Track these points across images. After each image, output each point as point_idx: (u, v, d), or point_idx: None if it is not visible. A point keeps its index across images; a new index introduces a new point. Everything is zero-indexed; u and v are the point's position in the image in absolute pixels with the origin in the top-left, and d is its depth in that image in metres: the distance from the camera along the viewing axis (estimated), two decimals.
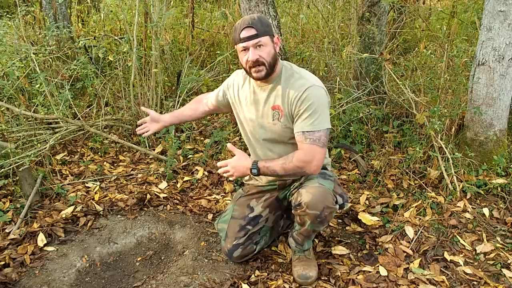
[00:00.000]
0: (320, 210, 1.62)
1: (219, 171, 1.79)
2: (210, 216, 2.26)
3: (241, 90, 1.83)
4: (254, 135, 1.83)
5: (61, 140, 2.87)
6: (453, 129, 2.56)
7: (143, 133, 2.01)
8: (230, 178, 1.85)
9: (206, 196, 2.46)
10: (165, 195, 2.41)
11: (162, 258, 1.98)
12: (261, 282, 1.77)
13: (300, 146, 1.65)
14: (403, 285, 1.73)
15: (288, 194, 1.85)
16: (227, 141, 2.99)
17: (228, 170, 1.74)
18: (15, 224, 2.08)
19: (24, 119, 2.84)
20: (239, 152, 1.74)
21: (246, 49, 1.61)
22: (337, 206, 1.72)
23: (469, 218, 2.12)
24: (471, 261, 1.88)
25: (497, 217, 2.15)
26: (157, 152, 2.89)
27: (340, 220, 2.21)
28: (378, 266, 1.84)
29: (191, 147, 3.01)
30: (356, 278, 1.77)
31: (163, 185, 2.52)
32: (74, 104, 3.12)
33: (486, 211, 2.15)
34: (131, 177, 2.64)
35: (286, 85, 1.68)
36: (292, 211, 1.74)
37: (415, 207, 2.21)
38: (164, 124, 2.02)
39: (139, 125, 2.03)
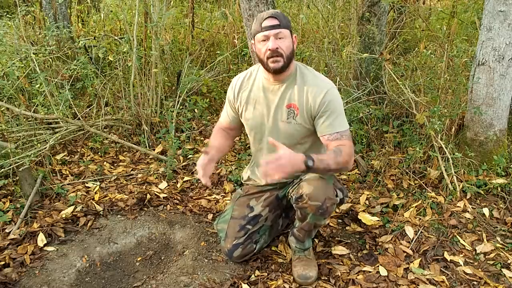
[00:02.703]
0: (321, 201, 1.62)
1: (262, 173, 1.43)
2: (210, 216, 2.26)
3: (251, 93, 1.80)
4: (263, 135, 1.81)
5: (61, 140, 2.87)
6: (453, 129, 2.56)
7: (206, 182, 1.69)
8: (276, 177, 1.42)
9: (206, 196, 2.46)
10: (165, 195, 2.41)
11: (162, 258, 1.98)
12: (261, 282, 1.77)
13: (337, 143, 1.64)
14: (403, 285, 1.73)
15: (287, 192, 1.85)
16: None
17: (282, 164, 1.42)
18: (15, 224, 2.08)
19: (24, 119, 2.84)
20: (283, 146, 1.50)
21: (266, 39, 1.61)
22: (338, 199, 1.73)
23: (469, 218, 2.12)
24: (471, 261, 1.88)
25: (497, 217, 2.15)
26: (157, 152, 2.89)
27: (340, 220, 2.21)
28: (378, 266, 1.84)
29: (191, 147, 3.01)
30: (356, 278, 1.77)
31: (163, 185, 2.52)
32: (74, 104, 3.12)
33: (486, 211, 2.15)
34: (131, 177, 2.64)
35: (303, 84, 1.69)
36: (294, 205, 1.74)
37: (415, 207, 2.21)
38: (214, 162, 1.79)
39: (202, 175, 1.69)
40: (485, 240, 1.98)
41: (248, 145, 2.97)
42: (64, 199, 2.33)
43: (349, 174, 2.64)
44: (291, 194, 1.78)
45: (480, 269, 1.82)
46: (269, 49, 1.59)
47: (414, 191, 2.38)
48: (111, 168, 2.75)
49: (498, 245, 1.95)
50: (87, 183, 2.52)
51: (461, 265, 1.84)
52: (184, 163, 2.78)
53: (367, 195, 2.38)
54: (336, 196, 1.72)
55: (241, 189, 2.06)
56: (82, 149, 2.95)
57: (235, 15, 4.32)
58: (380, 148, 2.76)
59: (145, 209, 2.30)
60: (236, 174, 2.61)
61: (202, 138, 3.17)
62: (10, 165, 2.29)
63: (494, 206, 2.22)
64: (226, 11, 4.32)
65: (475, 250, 1.93)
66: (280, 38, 1.61)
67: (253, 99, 1.79)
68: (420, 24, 4.43)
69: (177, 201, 2.39)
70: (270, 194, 1.93)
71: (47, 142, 2.53)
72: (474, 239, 2.00)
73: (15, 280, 1.76)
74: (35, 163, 2.51)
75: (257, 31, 1.63)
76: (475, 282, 1.75)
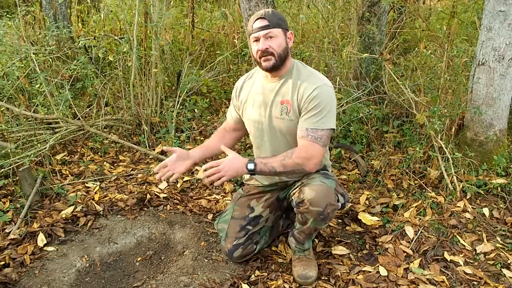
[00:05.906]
0: (323, 207, 1.62)
1: (202, 175, 1.59)
2: (210, 216, 2.26)
3: (250, 92, 1.83)
4: (262, 132, 1.82)
5: (61, 140, 2.87)
6: (453, 129, 2.56)
7: (167, 178, 1.72)
8: (219, 182, 1.59)
9: (206, 196, 2.46)
10: (165, 195, 2.41)
11: (162, 258, 1.98)
12: (261, 282, 1.77)
13: (301, 142, 1.66)
14: (403, 285, 1.73)
15: (288, 194, 1.85)
16: None
17: (219, 170, 1.59)
18: (15, 224, 2.08)
19: (24, 119, 2.84)
20: (232, 152, 1.67)
21: (257, 39, 1.65)
22: (339, 204, 1.73)
23: (469, 218, 2.12)
24: (471, 261, 1.88)
25: (497, 217, 2.15)
26: (157, 152, 2.89)
27: (340, 220, 2.21)
28: (378, 266, 1.84)
29: (191, 147, 3.00)
30: (356, 278, 1.77)
31: (163, 185, 2.52)
32: (74, 104, 3.12)
33: (486, 211, 2.15)
34: (131, 177, 2.64)
35: (297, 80, 1.70)
36: (294, 209, 1.74)
37: (415, 207, 2.21)
38: (194, 160, 1.80)
39: (158, 170, 1.72)
40: (485, 240, 1.98)
41: (248, 145, 2.97)
42: (64, 199, 2.33)
43: (349, 174, 2.64)
44: (292, 197, 1.77)
45: (480, 269, 1.82)
46: (259, 50, 1.64)
47: (414, 191, 2.38)
48: (111, 168, 2.75)
49: (498, 245, 1.95)
50: (87, 183, 2.52)
51: (461, 265, 1.84)
52: None
53: (367, 195, 2.38)
54: (338, 201, 1.72)
55: (241, 189, 2.06)
56: (82, 149, 2.95)
57: (235, 15, 4.32)
58: (380, 148, 2.76)
59: (145, 209, 2.30)
60: None
61: (202, 138, 3.17)
62: (10, 165, 2.29)
63: (494, 206, 2.22)
64: (226, 11, 4.33)
65: (475, 250, 1.93)
66: (270, 37, 1.63)
67: (252, 98, 1.81)
68: (420, 24, 4.43)
69: (177, 201, 2.39)
70: (271, 195, 1.93)
71: (47, 142, 2.53)
72: (474, 239, 2.00)
73: (15, 280, 1.76)
74: (35, 163, 2.51)
75: (249, 32, 1.69)
76: (475, 282, 1.75)
